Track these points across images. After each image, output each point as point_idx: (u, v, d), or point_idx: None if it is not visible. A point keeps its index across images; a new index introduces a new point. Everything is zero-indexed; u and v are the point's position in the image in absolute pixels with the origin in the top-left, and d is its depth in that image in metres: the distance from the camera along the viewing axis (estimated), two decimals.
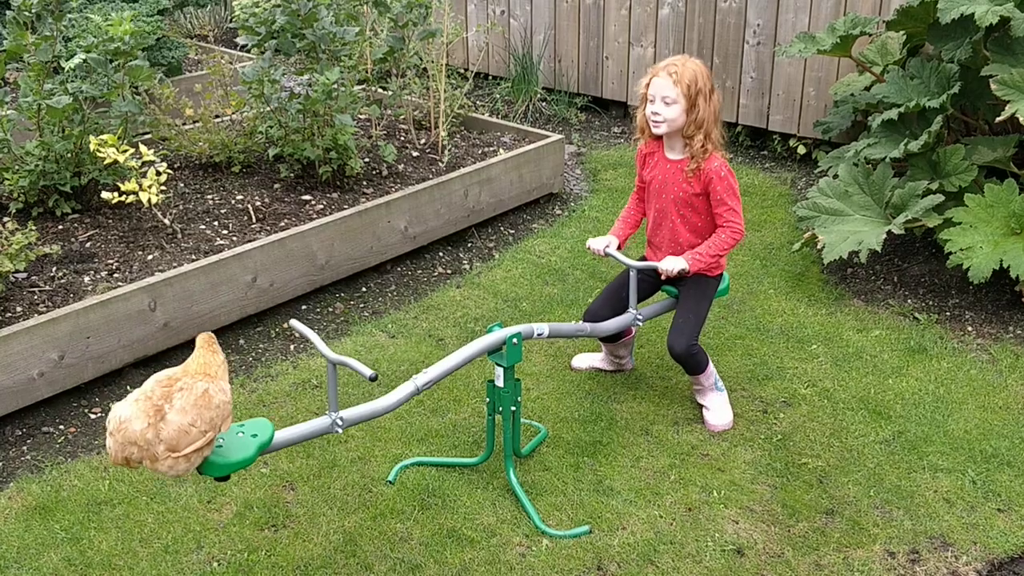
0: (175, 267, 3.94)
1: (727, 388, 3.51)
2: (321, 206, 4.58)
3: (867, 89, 5.02)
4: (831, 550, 2.84)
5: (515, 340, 2.95)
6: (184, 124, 5.18)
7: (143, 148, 4.16)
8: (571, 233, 4.97)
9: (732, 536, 2.90)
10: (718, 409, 3.42)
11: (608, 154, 6.06)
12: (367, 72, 5.38)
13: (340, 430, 2.62)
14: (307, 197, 4.68)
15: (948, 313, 4.12)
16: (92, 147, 4.10)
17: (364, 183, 4.86)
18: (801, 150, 5.74)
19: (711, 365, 3.40)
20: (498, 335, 2.95)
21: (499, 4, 6.93)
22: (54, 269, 3.97)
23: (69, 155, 4.33)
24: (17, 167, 4.25)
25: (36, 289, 3.82)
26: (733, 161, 5.83)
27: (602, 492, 3.08)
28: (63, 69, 4.29)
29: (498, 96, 6.82)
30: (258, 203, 4.61)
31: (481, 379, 3.67)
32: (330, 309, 4.25)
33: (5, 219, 4.07)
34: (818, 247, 4.20)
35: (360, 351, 3.90)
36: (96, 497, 3.07)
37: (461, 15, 7.10)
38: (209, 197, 4.69)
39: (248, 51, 6.50)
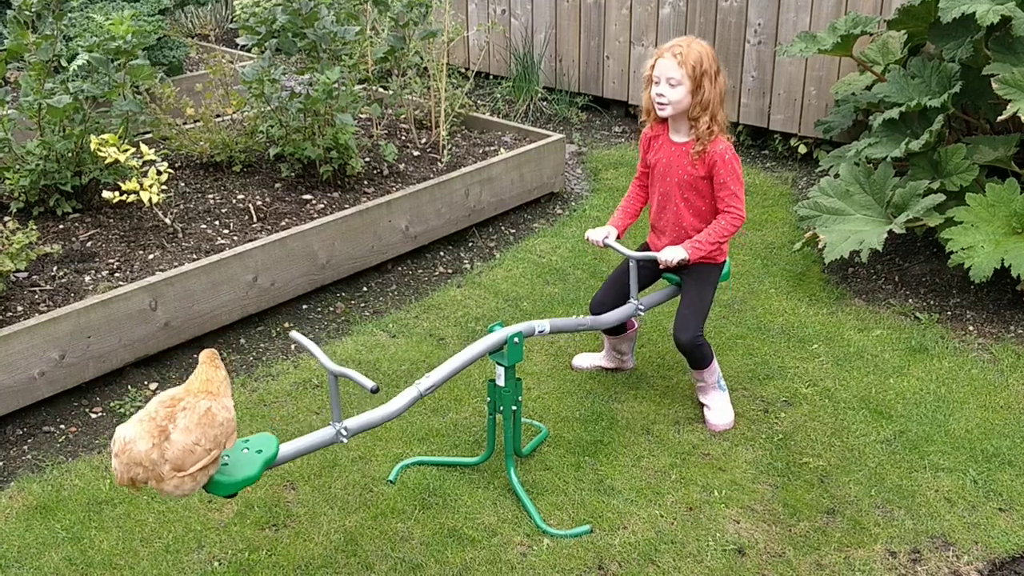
0: (176, 266, 3.94)
1: (728, 387, 3.51)
2: (322, 205, 4.58)
3: (868, 88, 5.01)
4: (832, 550, 2.84)
5: (516, 339, 2.95)
6: (185, 123, 5.18)
7: (144, 147, 4.16)
8: (572, 232, 4.97)
9: (733, 536, 2.90)
10: (719, 408, 3.41)
11: (609, 153, 6.06)
12: (368, 71, 5.38)
13: (345, 440, 2.62)
14: (308, 196, 4.68)
15: (949, 312, 4.11)
16: (93, 146, 4.10)
17: (365, 182, 4.86)
18: (802, 149, 5.73)
19: (715, 362, 3.39)
20: (499, 335, 2.95)
21: (500, 3, 6.93)
22: (55, 268, 3.97)
23: (70, 154, 4.33)
24: (18, 166, 4.25)
25: (37, 288, 3.82)
26: None
27: (603, 491, 3.08)
28: (64, 68, 4.29)
29: (499, 95, 6.82)
30: (259, 202, 4.61)
31: (482, 378, 3.67)
32: (331, 309, 4.25)
33: (6, 218, 4.08)
34: (819, 246, 4.20)
35: (361, 351, 3.90)
36: (97, 496, 3.07)
37: (462, 14, 7.10)
38: (210, 196, 4.69)
39: (249, 50, 6.50)
